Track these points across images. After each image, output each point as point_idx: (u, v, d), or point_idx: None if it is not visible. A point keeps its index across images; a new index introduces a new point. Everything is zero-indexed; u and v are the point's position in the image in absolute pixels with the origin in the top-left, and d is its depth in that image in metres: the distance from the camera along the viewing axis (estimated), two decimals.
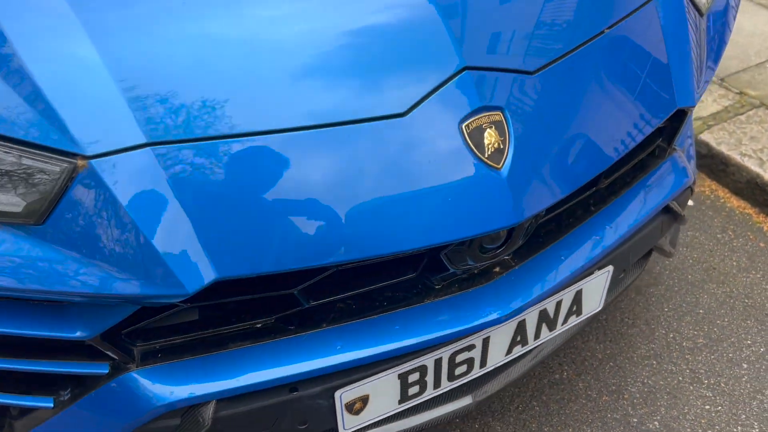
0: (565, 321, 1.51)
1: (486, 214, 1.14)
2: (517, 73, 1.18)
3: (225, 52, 1.10)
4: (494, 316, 1.28)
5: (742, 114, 2.86)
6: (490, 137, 1.14)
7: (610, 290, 1.57)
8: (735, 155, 2.65)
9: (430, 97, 1.12)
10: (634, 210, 1.49)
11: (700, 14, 1.50)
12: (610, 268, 1.49)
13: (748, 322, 2.21)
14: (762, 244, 2.48)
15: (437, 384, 1.39)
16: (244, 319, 1.23)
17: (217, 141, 1.04)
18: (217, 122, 1.05)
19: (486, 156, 1.13)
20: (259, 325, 1.24)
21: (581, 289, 1.47)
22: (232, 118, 1.05)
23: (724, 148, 2.69)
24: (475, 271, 1.33)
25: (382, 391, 1.32)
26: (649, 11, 1.37)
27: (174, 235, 1.02)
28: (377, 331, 1.25)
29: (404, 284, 1.31)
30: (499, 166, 1.14)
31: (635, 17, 1.35)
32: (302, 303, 1.22)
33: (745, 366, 2.08)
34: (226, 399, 1.21)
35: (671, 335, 2.17)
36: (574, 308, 1.50)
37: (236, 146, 1.05)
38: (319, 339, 1.23)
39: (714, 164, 2.74)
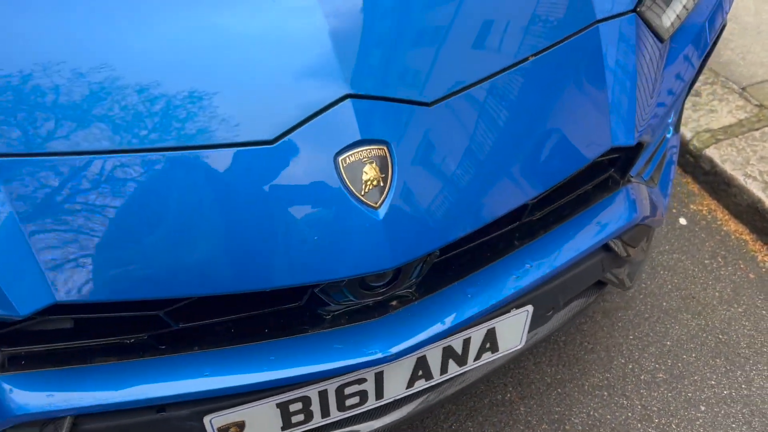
0: (478, 357, 1.42)
1: (357, 257, 1.05)
2: (411, 104, 1.08)
3: (76, 60, 1.03)
4: (378, 355, 1.20)
5: (756, 130, 2.65)
6: (369, 173, 1.04)
7: (533, 328, 1.48)
8: (739, 175, 2.47)
9: (305, 125, 1.03)
10: (564, 248, 1.38)
11: (661, 40, 1.35)
12: (529, 307, 1.38)
13: (717, 360, 2.07)
14: (752, 276, 2.31)
15: (326, 413, 1.33)
16: (115, 333, 1.19)
17: (61, 157, 0.98)
18: (64, 137, 0.98)
19: (362, 194, 1.04)
20: (130, 341, 1.19)
21: (494, 328, 1.38)
22: (79, 134, 0.99)
23: (728, 167, 2.51)
24: (370, 304, 1.25)
25: (259, 418, 1.27)
26: (589, 38, 1.23)
27: (9, 254, 0.98)
28: (250, 360, 1.19)
29: (293, 312, 1.24)
30: (376, 206, 1.05)
31: (570, 44, 1.21)
32: (170, 324, 1.16)
33: (702, 408, 1.96)
34: (87, 415, 1.17)
35: (630, 366, 2.06)
36: (488, 345, 1.41)
37: (81, 165, 0.98)
38: (189, 362, 1.18)
39: (716, 182, 2.56)
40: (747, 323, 2.17)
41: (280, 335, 1.21)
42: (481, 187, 1.12)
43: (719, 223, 2.50)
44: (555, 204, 1.40)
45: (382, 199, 1.05)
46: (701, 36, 1.47)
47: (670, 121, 1.66)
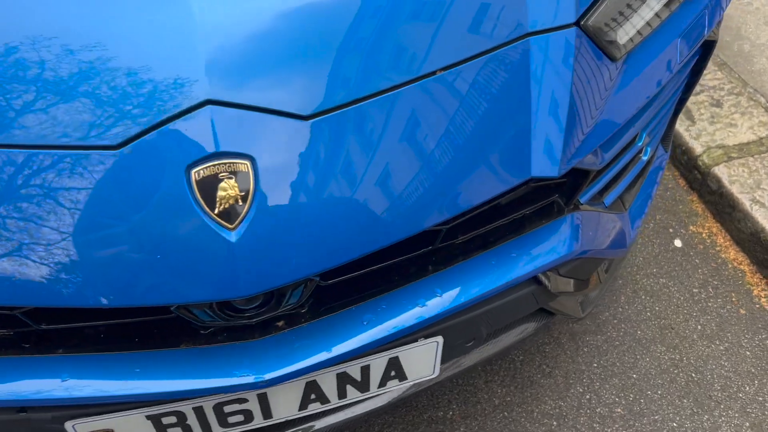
0: (382, 384, 1.32)
1: (205, 282, 0.96)
2: (283, 116, 0.96)
3: None
4: (251, 379, 1.12)
5: None
6: (226, 190, 0.94)
7: (448, 359, 1.36)
8: (745, 199, 2.26)
9: (155, 131, 0.93)
10: (482, 278, 1.25)
11: (612, 59, 1.19)
12: (439, 338, 1.27)
13: (685, 400, 1.92)
14: (743, 311, 2.12)
15: (206, 428, 1.25)
16: None
17: None
18: None
19: (216, 212, 0.94)
20: None
21: (398, 356, 1.27)
22: None
23: (735, 189, 2.30)
24: (252, 322, 1.16)
25: (130, 428, 1.20)
26: (515, 53, 1.08)
27: None
28: (113, 370, 1.12)
29: (169, 323, 1.16)
30: (231, 226, 0.95)
31: (491, 59, 1.07)
32: (31, 324, 1.10)
33: None
34: None
35: (587, 396, 1.92)
36: (393, 374, 1.31)
37: None
38: (48, 364, 1.12)
39: (721, 204, 2.35)
40: (726, 363, 2.00)
41: (150, 346, 1.14)
42: (360, 214, 1.01)
43: (718, 249, 2.31)
44: (482, 229, 1.27)
45: (238, 220, 0.95)
46: (672, 54, 1.30)
47: (639, 143, 1.50)
